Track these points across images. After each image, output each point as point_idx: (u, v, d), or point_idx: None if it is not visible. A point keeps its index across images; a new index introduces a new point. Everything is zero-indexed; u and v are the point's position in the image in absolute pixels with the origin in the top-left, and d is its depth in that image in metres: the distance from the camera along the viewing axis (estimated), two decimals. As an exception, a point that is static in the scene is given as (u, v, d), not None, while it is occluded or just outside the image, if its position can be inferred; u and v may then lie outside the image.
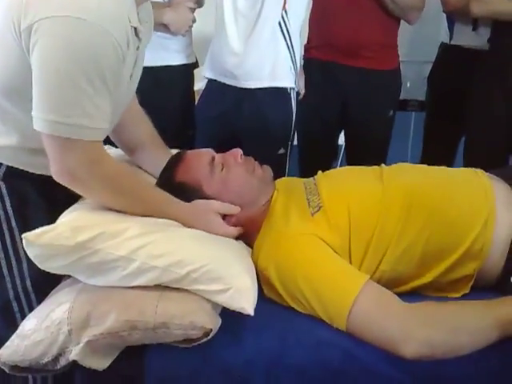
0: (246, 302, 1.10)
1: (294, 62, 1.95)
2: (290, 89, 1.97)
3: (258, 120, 1.93)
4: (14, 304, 1.27)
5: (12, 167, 1.23)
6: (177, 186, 1.31)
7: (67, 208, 1.21)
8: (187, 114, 2.19)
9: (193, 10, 2.07)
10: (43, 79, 1.03)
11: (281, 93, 1.95)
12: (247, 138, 1.96)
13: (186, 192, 1.29)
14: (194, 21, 2.06)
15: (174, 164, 1.37)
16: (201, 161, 1.34)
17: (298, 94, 2.06)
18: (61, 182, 1.12)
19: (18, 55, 1.07)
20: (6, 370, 1.10)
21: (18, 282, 1.26)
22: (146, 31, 1.22)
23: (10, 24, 1.04)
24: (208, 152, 1.38)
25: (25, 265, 1.25)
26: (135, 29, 1.14)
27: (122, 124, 1.35)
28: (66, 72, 1.01)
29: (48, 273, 1.14)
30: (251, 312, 1.09)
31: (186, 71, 2.17)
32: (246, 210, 1.32)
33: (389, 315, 1.09)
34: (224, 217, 1.30)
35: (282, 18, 1.87)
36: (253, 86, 1.92)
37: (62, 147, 1.07)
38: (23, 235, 1.08)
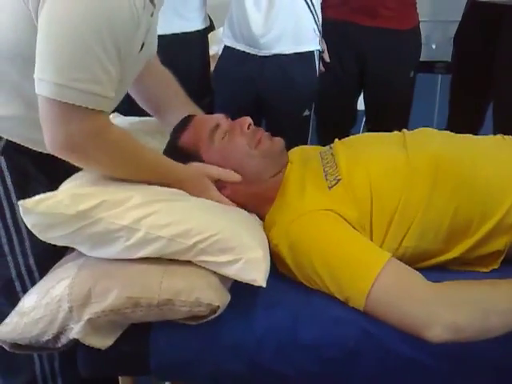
0: (257, 273, 1.03)
1: (316, 23, 1.91)
2: (315, 50, 1.93)
3: (282, 81, 1.89)
4: (17, 283, 1.22)
5: (12, 142, 1.17)
6: (179, 149, 1.27)
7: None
8: (203, 81, 2.12)
9: None
10: (52, 38, 0.95)
11: (306, 56, 1.91)
12: (271, 100, 1.93)
13: (186, 157, 1.24)
14: None
15: (179, 127, 1.31)
16: (204, 126, 1.27)
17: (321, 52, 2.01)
18: (57, 154, 1.03)
19: (25, 17, 1.00)
20: (6, 348, 1.07)
21: (20, 260, 1.21)
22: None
23: None
24: (215, 117, 1.31)
25: (27, 242, 1.20)
26: None
27: (145, 84, 1.32)
28: (79, 32, 0.94)
29: (52, 250, 1.09)
30: (263, 283, 1.02)
31: (201, 37, 2.10)
32: (249, 186, 1.25)
33: (412, 297, 1.02)
34: (219, 187, 1.23)
35: None
36: (277, 53, 1.87)
37: (65, 115, 0.98)
38: (20, 202, 1.01)
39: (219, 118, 1.30)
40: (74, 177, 1.15)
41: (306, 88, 1.93)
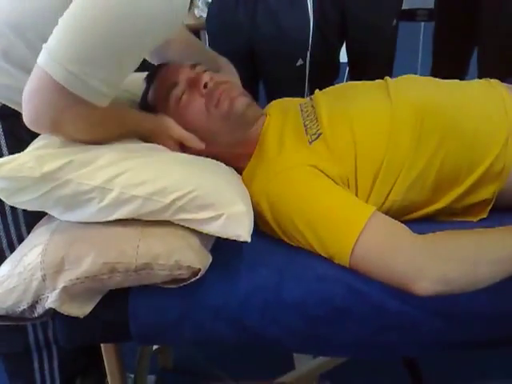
0: (241, 228, 0.99)
1: None
2: None
3: (273, 31, 1.83)
4: (8, 253, 1.18)
5: (7, 107, 1.12)
6: (144, 105, 1.24)
7: None
8: None
9: None
10: (80, 24, 0.89)
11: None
12: (263, 51, 1.88)
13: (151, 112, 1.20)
14: None
15: (148, 79, 1.27)
16: (164, 82, 1.21)
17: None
18: (37, 131, 1.00)
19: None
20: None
21: (12, 229, 1.18)
22: None
23: None
24: (177, 71, 1.22)
25: (19, 210, 1.15)
26: None
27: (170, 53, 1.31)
28: (112, 32, 0.89)
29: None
30: (248, 238, 0.98)
31: None
32: (213, 148, 1.19)
33: (399, 250, 0.98)
34: (183, 148, 1.18)
35: None
36: None
37: (65, 100, 0.93)
38: None
39: (181, 70, 1.22)
40: (40, 137, 1.08)
41: (296, 36, 1.86)
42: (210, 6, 2.00)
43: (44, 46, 0.91)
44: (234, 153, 1.21)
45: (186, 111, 1.18)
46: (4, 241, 1.18)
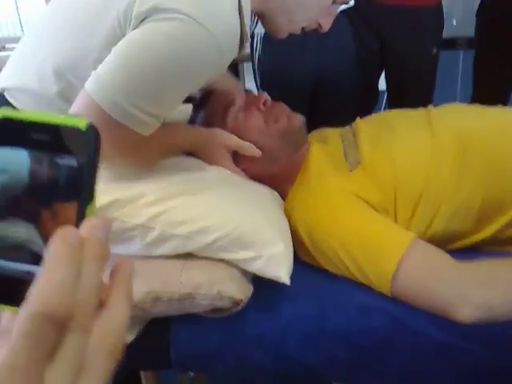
0: (280, 269, 1.00)
1: None
2: None
3: (338, 52, 1.88)
4: None
5: None
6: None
7: None
8: None
9: None
10: (133, 57, 0.91)
11: (343, 17, 1.86)
12: (330, 76, 1.90)
13: None
14: None
15: (199, 104, 1.28)
16: (219, 103, 1.23)
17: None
18: None
19: (112, 41, 0.95)
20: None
21: None
22: None
23: (112, 7, 0.94)
24: (231, 93, 1.25)
25: None
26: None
27: None
28: (162, 68, 0.91)
29: None
30: (287, 280, 0.99)
31: None
32: (265, 164, 1.21)
33: (440, 277, 0.97)
34: (236, 161, 1.20)
35: None
36: None
37: (104, 124, 0.90)
38: None
39: (235, 93, 1.26)
40: None
41: (352, 55, 1.93)
42: (262, 48, 1.96)
43: (93, 72, 0.92)
44: (280, 175, 1.22)
45: (244, 126, 1.20)
46: None
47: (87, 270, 0.33)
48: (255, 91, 1.37)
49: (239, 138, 1.18)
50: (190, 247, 1.01)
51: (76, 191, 0.36)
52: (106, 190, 1.02)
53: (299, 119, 1.25)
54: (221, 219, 1.03)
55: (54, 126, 0.36)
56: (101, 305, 0.35)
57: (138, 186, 1.05)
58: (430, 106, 1.30)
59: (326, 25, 1.13)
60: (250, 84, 2.21)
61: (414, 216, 1.11)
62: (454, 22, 2.73)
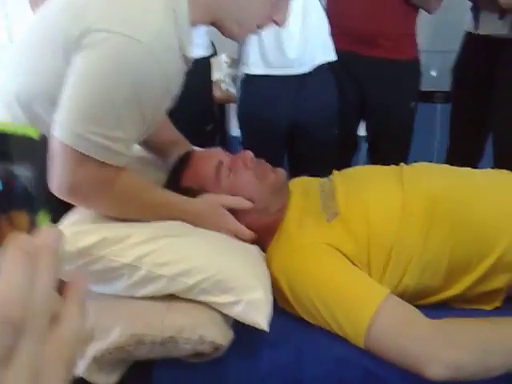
0: (259, 316, 1.03)
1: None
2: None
3: (317, 102, 1.93)
4: None
5: None
6: (182, 189, 1.25)
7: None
8: (207, 108, 2.14)
9: None
10: (80, 89, 0.97)
11: (327, 68, 1.94)
12: (306, 124, 1.95)
13: (193, 195, 1.23)
14: None
15: (179, 167, 1.31)
16: (206, 165, 1.27)
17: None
18: (61, 197, 1.03)
19: (61, 65, 1.00)
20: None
21: None
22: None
23: (58, 30, 0.99)
24: (216, 154, 1.30)
25: None
26: (186, 57, 1.08)
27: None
28: (107, 90, 0.95)
29: None
30: (266, 327, 1.02)
31: (205, 63, 2.12)
32: (257, 217, 1.25)
33: (411, 334, 1.01)
34: (235, 216, 1.23)
35: None
36: (311, 69, 1.90)
37: (75, 161, 0.99)
38: None
39: (218, 153, 1.30)
40: (74, 210, 1.15)
41: (334, 105, 1.98)
42: (241, 90, 2.03)
43: (54, 116, 0.98)
44: (266, 227, 1.26)
45: (238, 184, 1.24)
46: None
47: (41, 277, 0.34)
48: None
49: (233, 195, 1.23)
50: (172, 288, 1.05)
51: (29, 199, 0.37)
52: (94, 229, 1.05)
53: (283, 173, 1.31)
54: (205, 263, 1.07)
55: (7, 135, 0.36)
56: (54, 318, 0.36)
57: (126, 226, 1.09)
58: (403, 164, 1.36)
59: (282, 20, 1.14)
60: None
61: (386, 269, 1.15)
62: (435, 74, 2.84)
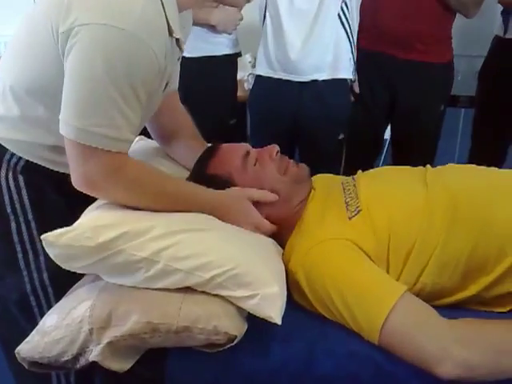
0: (273, 310, 1.04)
1: (353, 53, 1.97)
2: (348, 79, 2.01)
3: (320, 106, 1.96)
4: (32, 298, 1.25)
5: (31, 162, 1.22)
6: (209, 178, 1.28)
7: (84, 202, 1.17)
8: (231, 104, 2.18)
9: (240, 9, 2.06)
10: (74, 85, 1.02)
11: (341, 82, 1.98)
12: (308, 126, 1.99)
13: (218, 184, 1.25)
14: (241, 19, 2.05)
15: (206, 156, 1.34)
16: (234, 154, 1.30)
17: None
18: (82, 190, 1.09)
19: (54, 57, 1.05)
20: (26, 366, 1.08)
21: (35, 275, 1.24)
22: (184, 38, 1.20)
23: (48, 24, 1.03)
24: (243, 146, 1.34)
25: (42, 257, 1.23)
26: (177, 40, 1.12)
27: (157, 113, 1.32)
28: (99, 80, 0.99)
29: None
30: (278, 321, 1.03)
31: (230, 61, 2.17)
32: (278, 209, 1.27)
33: (425, 331, 1.01)
34: (258, 209, 1.25)
35: (342, 9, 1.88)
36: (314, 78, 1.94)
37: (84, 155, 1.05)
38: (42, 237, 1.04)
39: (245, 145, 1.34)
40: (94, 205, 1.17)
41: (341, 112, 2.00)
42: (251, 92, 2.13)
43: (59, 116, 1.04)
44: (287, 220, 1.28)
45: (262, 174, 1.28)
46: (28, 286, 1.24)
47: None
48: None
49: (259, 183, 1.26)
50: (189, 282, 1.06)
51: None
52: (113, 224, 1.07)
53: (306, 168, 1.35)
54: (222, 257, 1.08)
55: None
56: None
57: (146, 219, 1.10)
58: (428, 166, 1.37)
59: None
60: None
61: (405, 267, 1.16)
62: (459, 78, 2.82)
